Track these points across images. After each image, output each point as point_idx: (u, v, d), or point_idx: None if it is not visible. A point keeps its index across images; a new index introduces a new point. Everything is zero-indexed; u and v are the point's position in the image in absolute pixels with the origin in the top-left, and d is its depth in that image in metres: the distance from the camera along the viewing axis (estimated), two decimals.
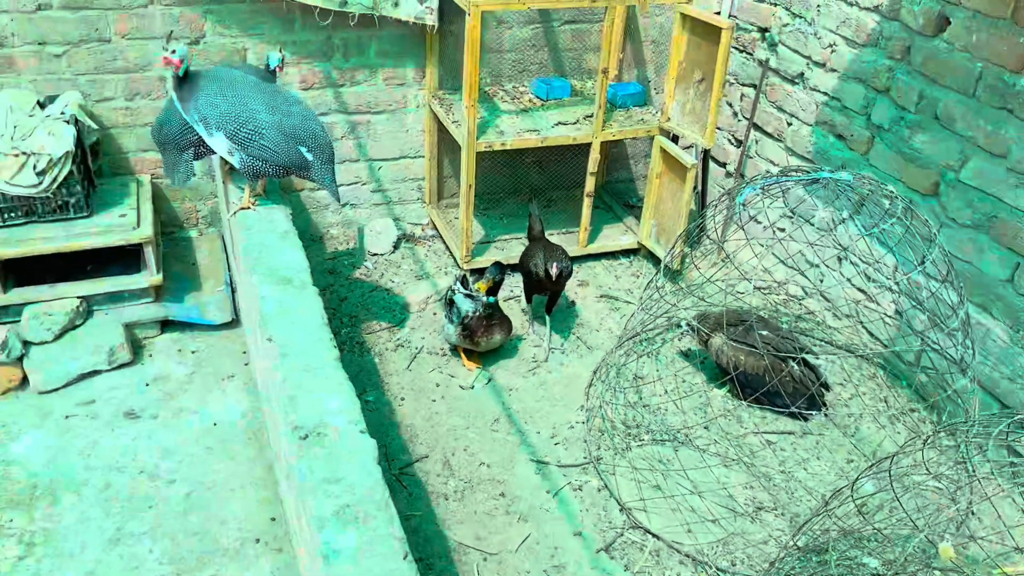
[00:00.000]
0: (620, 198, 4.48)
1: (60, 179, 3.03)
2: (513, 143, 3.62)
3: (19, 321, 3.09)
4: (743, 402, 3.15)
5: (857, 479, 2.26)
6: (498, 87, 4.04)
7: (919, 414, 3.22)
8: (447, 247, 4.07)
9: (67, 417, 2.97)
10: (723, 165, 4.30)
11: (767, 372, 3.02)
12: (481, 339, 3.24)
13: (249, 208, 3.04)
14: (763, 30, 3.90)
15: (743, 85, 4.08)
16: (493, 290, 3.24)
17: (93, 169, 3.33)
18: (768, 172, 3.35)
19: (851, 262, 3.49)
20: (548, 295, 3.48)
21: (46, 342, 3.09)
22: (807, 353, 3.18)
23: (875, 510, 2.41)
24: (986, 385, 2.99)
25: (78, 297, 3.16)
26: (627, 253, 4.15)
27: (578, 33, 4.06)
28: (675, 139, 3.92)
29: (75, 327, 3.16)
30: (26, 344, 3.09)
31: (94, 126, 3.34)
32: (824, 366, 3.28)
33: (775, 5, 3.80)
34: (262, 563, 2.49)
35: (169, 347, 3.34)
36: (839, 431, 3.13)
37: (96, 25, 3.32)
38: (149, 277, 3.24)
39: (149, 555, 2.48)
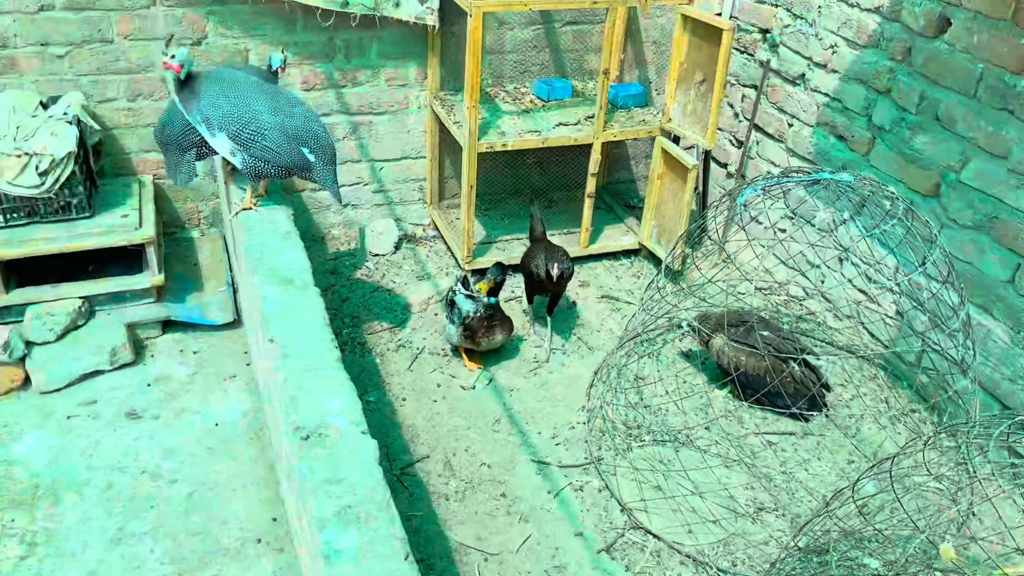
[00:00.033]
0: (621, 199, 4.48)
1: (62, 180, 3.04)
2: (514, 144, 3.62)
3: (21, 321, 3.09)
4: (744, 403, 3.16)
5: (858, 480, 2.26)
6: (499, 88, 4.05)
7: (920, 415, 3.22)
8: (448, 247, 4.07)
9: (69, 417, 2.98)
10: (724, 166, 4.30)
11: (768, 373, 3.02)
12: (482, 339, 3.25)
13: (251, 209, 3.05)
14: (764, 31, 3.91)
15: (744, 86, 4.08)
16: (494, 291, 3.24)
17: (95, 170, 3.34)
18: (769, 173, 3.36)
19: (852, 263, 3.49)
20: (549, 296, 3.49)
21: (48, 342, 3.10)
22: (808, 354, 3.18)
23: (876, 511, 2.41)
24: (987, 386, 2.99)
25: (80, 297, 3.16)
26: (628, 254, 4.15)
27: (579, 34, 4.06)
28: (676, 140, 3.92)
29: (77, 327, 3.17)
30: (28, 344, 3.09)
31: (96, 127, 3.34)
32: (825, 367, 3.28)
33: (776, 6, 3.80)
34: (263, 563, 2.49)
35: (171, 347, 3.34)
36: (840, 432, 3.13)
37: (99, 26, 3.33)
38: (151, 277, 3.24)
39: (151, 555, 2.49)
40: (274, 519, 2.63)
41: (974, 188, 2.94)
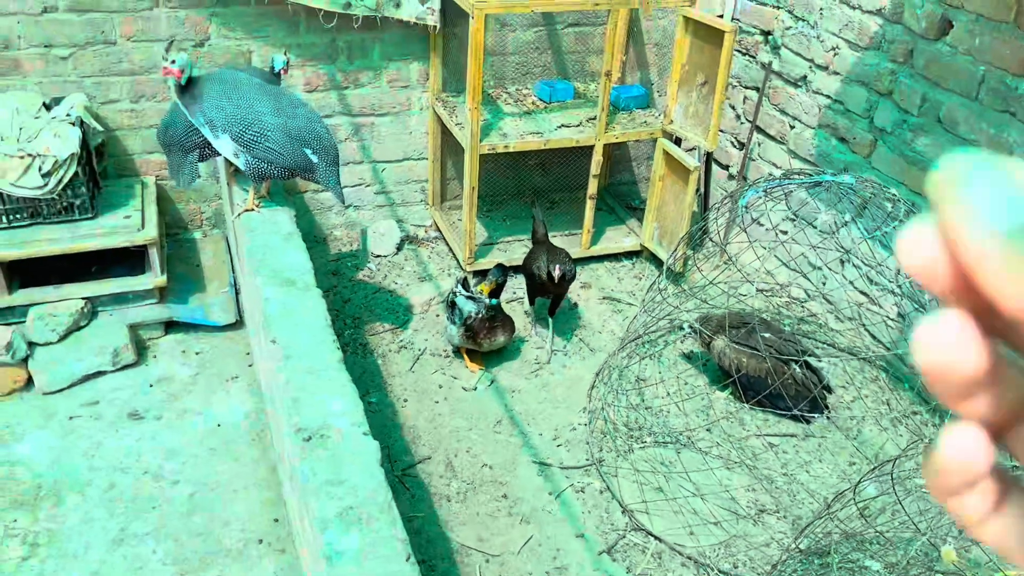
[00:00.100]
0: (623, 200, 4.49)
1: (65, 181, 3.04)
2: (516, 145, 3.63)
3: (24, 322, 3.10)
4: (745, 404, 3.16)
5: (859, 482, 2.26)
6: (501, 89, 4.05)
7: (922, 417, 3.22)
8: (450, 249, 4.08)
9: (71, 418, 2.98)
10: (726, 167, 4.30)
11: (769, 375, 3.03)
12: (484, 340, 3.25)
13: (253, 210, 3.06)
14: (766, 33, 3.91)
15: (746, 88, 4.09)
16: (496, 292, 3.25)
17: (98, 171, 3.35)
18: (771, 175, 3.36)
19: (854, 265, 3.49)
20: (551, 298, 3.49)
21: (51, 343, 3.10)
22: (809, 356, 3.18)
23: (877, 513, 2.41)
24: None
25: (83, 298, 3.17)
26: (630, 255, 4.15)
27: (581, 36, 4.06)
28: (678, 141, 3.93)
29: (80, 328, 3.17)
30: (31, 345, 3.10)
31: (99, 128, 3.35)
32: (826, 369, 3.28)
33: (778, 8, 3.81)
34: (265, 564, 2.50)
35: (173, 348, 3.35)
36: (841, 434, 3.13)
37: (102, 27, 3.34)
38: (153, 278, 3.25)
39: (153, 556, 2.49)
40: (276, 520, 2.64)
41: None
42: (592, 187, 3.84)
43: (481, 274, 3.62)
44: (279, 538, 2.58)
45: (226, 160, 3.08)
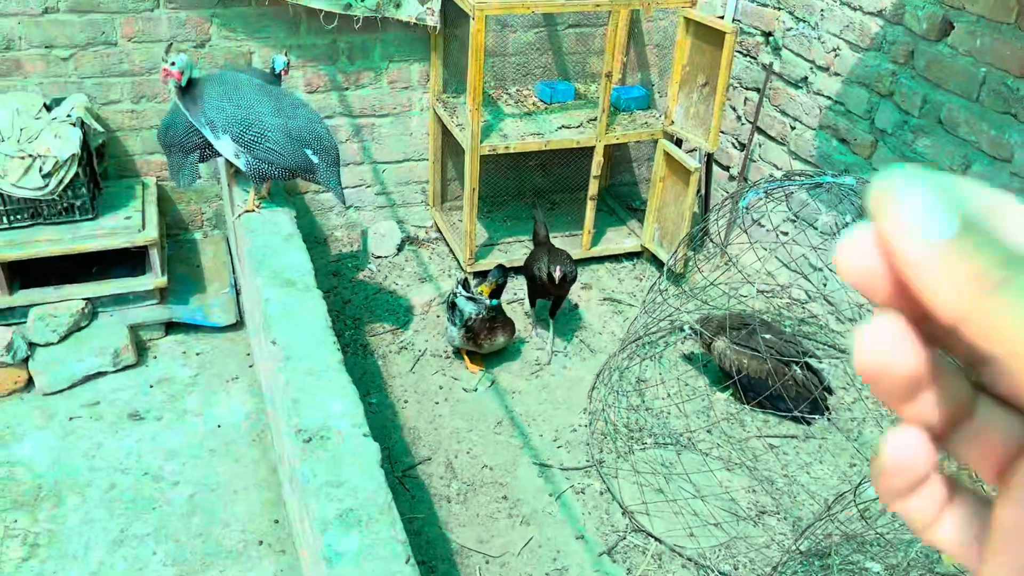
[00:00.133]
0: (623, 201, 4.49)
1: (66, 181, 3.04)
2: (516, 146, 3.62)
3: (25, 323, 3.10)
4: (746, 406, 3.15)
5: (860, 483, 2.26)
6: (502, 90, 4.05)
7: None
8: (450, 250, 4.08)
9: (71, 418, 2.99)
10: (726, 169, 4.30)
11: (770, 376, 3.02)
12: (484, 341, 3.25)
13: (254, 211, 3.05)
14: (767, 34, 3.91)
15: (746, 89, 4.09)
16: (496, 293, 3.24)
17: (99, 172, 3.35)
18: (771, 176, 3.36)
19: None
20: (552, 299, 3.49)
21: (51, 344, 3.10)
22: (810, 357, 3.18)
23: (878, 515, 2.41)
24: None
25: (83, 299, 3.17)
26: (630, 256, 4.15)
27: (582, 37, 4.06)
28: (679, 143, 3.92)
29: (80, 329, 3.17)
30: (31, 345, 3.10)
31: (100, 129, 3.35)
32: (827, 370, 3.28)
33: (779, 9, 3.80)
34: (265, 565, 2.49)
35: (173, 349, 3.35)
36: (842, 435, 3.13)
37: (102, 28, 3.34)
38: (154, 279, 3.25)
39: (153, 557, 2.49)
40: (276, 521, 2.64)
41: None
42: (593, 188, 3.84)
43: (482, 275, 3.62)
44: (279, 539, 2.58)
45: (227, 161, 3.08)
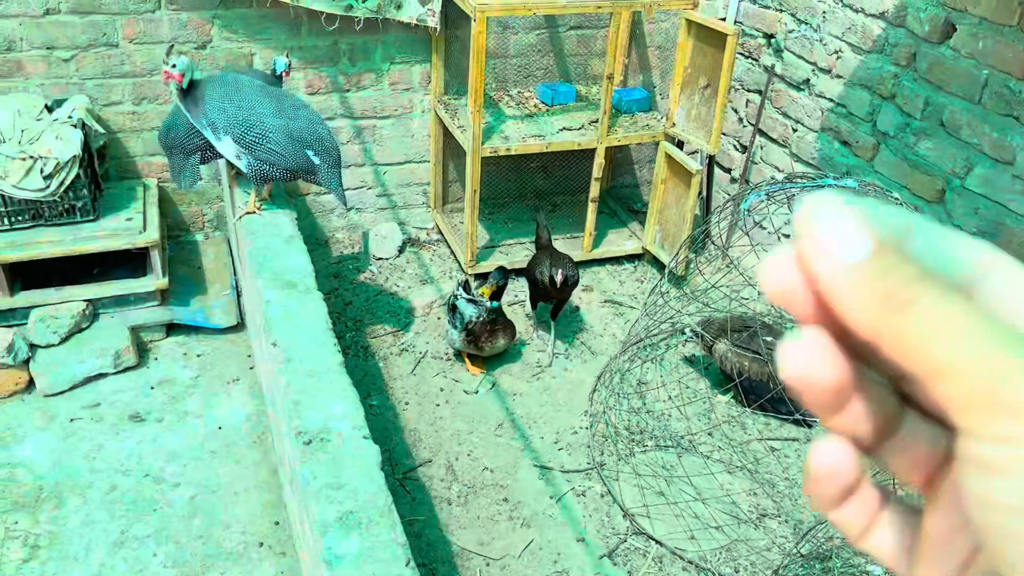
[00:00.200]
0: (625, 203, 4.48)
1: (67, 183, 3.04)
2: (518, 148, 3.62)
3: (26, 324, 3.10)
4: (747, 408, 3.15)
5: None
6: (503, 92, 4.05)
7: None
8: (452, 251, 4.08)
9: (72, 420, 2.98)
10: (728, 171, 4.30)
11: (771, 378, 3.02)
12: (485, 344, 3.25)
13: (255, 213, 3.05)
14: (769, 36, 3.90)
15: (748, 91, 4.08)
16: (496, 295, 3.24)
17: (100, 173, 3.35)
18: (773, 178, 3.35)
19: None
20: (554, 302, 3.49)
21: (52, 345, 3.10)
22: None
23: None
24: None
25: (84, 300, 3.17)
26: (631, 258, 4.15)
27: (584, 39, 4.06)
28: (680, 145, 3.92)
29: (81, 330, 3.17)
30: (32, 347, 3.10)
31: (101, 130, 3.35)
32: None
33: (781, 11, 3.80)
34: (266, 567, 2.49)
35: (174, 350, 3.35)
36: None
37: (104, 30, 3.34)
38: (155, 280, 3.25)
39: (153, 558, 2.49)
40: (276, 523, 2.64)
41: (979, 194, 2.94)
42: (594, 190, 3.84)
43: (483, 277, 3.62)
44: (280, 541, 2.58)
45: (228, 162, 3.08)
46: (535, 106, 3.96)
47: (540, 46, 4.02)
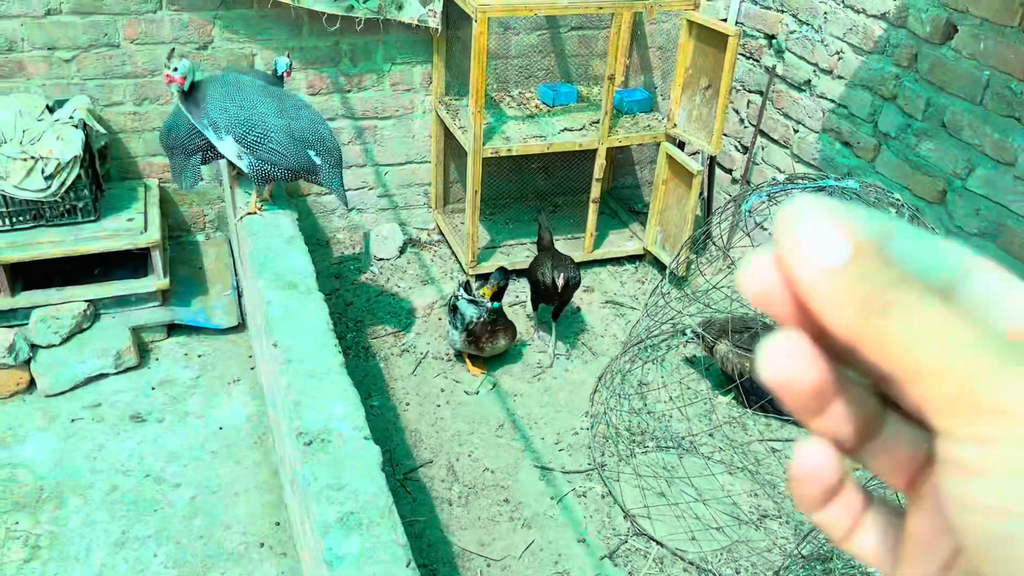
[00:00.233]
0: (626, 204, 4.48)
1: (68, 183, 3.04)
2: (519, 149, 3.62)
3: (26, 324, 3.10)
4: (748, 409, 3.15)
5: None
6: (504, 93, 4.05)
7: None
8: (453, 252, 4.08)
9: (73, 420, 2.99)
10: (729, 172, 4.30)
11: None
12: (486, 345, 3.25)
13: (256, 213, 3.06)
14: (770, 37, 3.90)
15: (749, 92, 4.08)
16: (497, 295, 3.24)
17: (101, 173, 3.35)
18: (774, 179, 3.35)
19: None
20: (555, 303, 3.48)
21: (53, 345, 3.10)
22: None
23: None
24: None
25: (85, 301, 3.17)
26: (632, 259, 4.15)
27: (585, 39, 4.06)
28: (681, 145, 3.92)
29: (82, 330, 3.17)
30: (33, 347, 3.10)
31: (102, 131, 3.35)
32: None
33: (782, 12, 3.80)
34: (266, 567, 2.49)
35: (175, 351, 3.35)
36: None
37: (105, 30, 3.34)
38: (156, 281, 3.25)
39: (154, 559, 2.49)
40: (277, 523, 2.64)
41: (980, 195, 2.93)
42: (595, 191, 3.84)
43: (483, 278, 3.62)
44: (280, 542, 2.58)
45: (229, 163, 3.08)
46: (536, 107, 3.96)
47: (541, 47, 4.02)
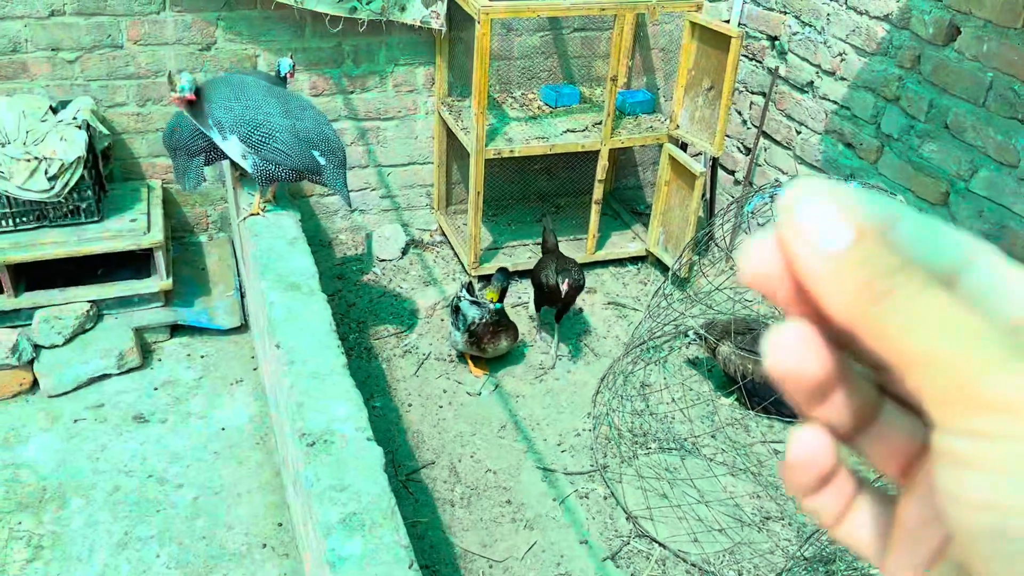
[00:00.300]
0: (628, 205, 4.48)
1: (71, 184, 3.05)
2: (522, 150, 3.62)
3: (30, 325, 3.10)
4: (750, 411, 3.15)
5: None
6: (507, 94, 4.05)
7: None
8: (455, 253, 4.08)
9: (76, 421, 2.99)
10: (732, 173, 4.30)
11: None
12: (488, 346, 3.25)
13: (259, 214, 3.06)
14: (773, 38, 3.90)
15: (752, 93, 4.08)
16: (500, 297, 3.24)
17: (104, 174, 3.35)
18: (777, 180, 3.35)
19: None
20: (559, 305, 3.48)
21: (56, 346, 3.11)
22: None
23: None
24: None
25: (88, 301, 3.18)
26: (635, 260, 4.15)
27: (587, 40, 4.06)
28: (684, 147, 3.92)
29: (85, 331, 3.18)
30: (36, 348, 3.10)
31: (106, 131, 3.36)
32: None
33: (785, 13, 3.80)
34: (268, 568, 2.49)
35: (178, 351, 3.35)
36: None
37: (108, 31, 3.35)
38: (159, 282, 3.25)
39: (156, 559, 2.49)
40: (279, 524, 2.64)
41: (983, 197, 2.93)
42: (597, 192, 3.84)
43: (486, 279, 3.62)
44: (283, 543, 2.58)
45: (232, 164, 3.08)
46: (539, 108, 3.96)
47: (544, 48, 4.03)
